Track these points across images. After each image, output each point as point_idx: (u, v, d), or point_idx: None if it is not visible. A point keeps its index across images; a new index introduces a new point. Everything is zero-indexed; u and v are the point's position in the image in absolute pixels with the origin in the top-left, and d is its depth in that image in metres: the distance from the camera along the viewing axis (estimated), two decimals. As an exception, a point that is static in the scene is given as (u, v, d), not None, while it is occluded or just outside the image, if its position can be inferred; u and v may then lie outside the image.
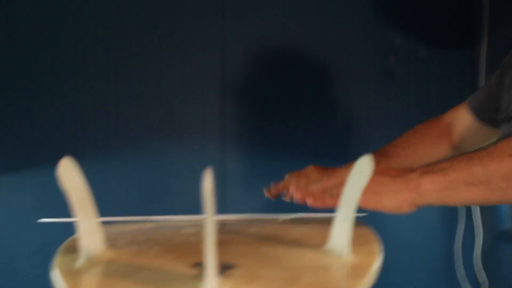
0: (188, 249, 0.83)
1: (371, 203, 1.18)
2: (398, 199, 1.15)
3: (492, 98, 1.63)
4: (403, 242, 3.29)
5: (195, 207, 3.12)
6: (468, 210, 3.25)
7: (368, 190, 1.11)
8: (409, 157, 1.69)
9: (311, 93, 3.26)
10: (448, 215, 3.33)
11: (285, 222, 1.13)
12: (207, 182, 0.80)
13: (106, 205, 3.14)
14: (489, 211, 3.17)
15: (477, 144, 1.78)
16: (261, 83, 3.24)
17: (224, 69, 3.21)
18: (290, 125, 3.25)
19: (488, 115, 1.65)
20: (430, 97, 3.32)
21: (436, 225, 3.33)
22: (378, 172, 1.17)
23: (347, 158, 3.21)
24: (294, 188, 1.32)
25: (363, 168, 0.78)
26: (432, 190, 1.09)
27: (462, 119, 1.72)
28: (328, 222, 0.75)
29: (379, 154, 1.69)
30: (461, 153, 1.11)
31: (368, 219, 3.22)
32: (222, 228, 0.94)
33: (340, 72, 3.29)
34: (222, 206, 3.07)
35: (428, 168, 1.12)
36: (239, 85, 3.23)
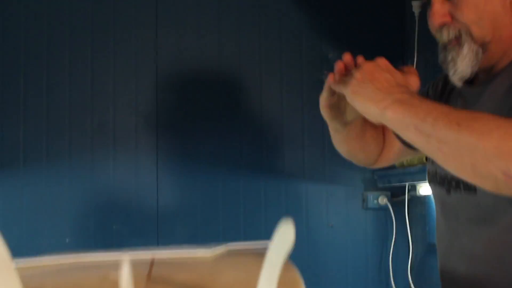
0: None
1: (349, 97, 1.28)
2: (366, 108, 1.22)
3: None
4: (338, 257, 3.31)
5: (127, 217, 3.08)
6: (401, 224, 3.29)
7: (353, 84, 1.27)
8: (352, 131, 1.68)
9: (246, 106, 3.26)
10: (382, 230, 3.38)
11: (218, 258, 1.09)
12: (125, 272, 0.75)
13: (38, 215, 3.09)
14: (420, 225, 3.22)
15: (401, 159, 1.87)
16: (194, 95, 3.22)
17: (157, 81, 3.18)
18: (224, 137, 3.23)
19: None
20: (363, 112, 3.35)
21: (370, 238, 3.36)
22: (372, 70, 1.28)
23: (283, 170, 3.24)
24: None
25: (284, 235, 0.76)
26: (390, 119, 1.14)
27: (390, 136, 1.75)
28: (263, 255, 0.73)
29: None
30: (442, 104, 1.17)
31: (303, 232, 3.24)
32: (150, 271, 0.89)
33: (275, 85, 3.29)
34: (155, 216, 3.05)
35: (406, 97, 1.16)
36: (172, 98, 3.20)
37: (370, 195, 3.32)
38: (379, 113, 1.18)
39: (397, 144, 1.71)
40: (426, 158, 1.73)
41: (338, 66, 1.37)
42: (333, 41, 3.35)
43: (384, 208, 3.33)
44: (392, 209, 3.31)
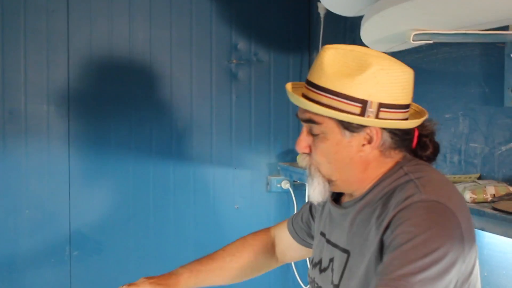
0: None
1: None
2: None
3: (305, 225, 1.84)
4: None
5: (40, 202, 3.14)
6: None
7: None
8: (234, 262, 1.85)
9: (155, 94, 3.35)
10: (284, 212, 3.55)
11: None
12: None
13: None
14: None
15: (297, 259, 2.01)
16: (106, 84, 3.29)
17: (69, 69, 3.22)
18: (135, 124, 3.32)
19: (303, 240, 1.84)
20: (270, 98, 3.51)
21: (273, 219, 3.53)
22: None
23: (191, 155, 3.36)
24: None
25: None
26: None
27: (283, 236, 1.91)
28: None
29: (207, 257, 1.84)
30: None
31: (210, 214, 3.37)
32: None
33: (184, 73, 3.39)
34: (66, 204, 3.12)
35: None
36: (83, 86, 3.25)
37: (274, 180, 3.51)
38: None
39: (296, 250, 1.89)
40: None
41: None
42: (243, 30, 3.48)
43: (286, 192, 3.53)
44: (294, 192, 3.51)
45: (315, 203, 1.56)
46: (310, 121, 1.46)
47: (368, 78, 1.39)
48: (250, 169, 3.52)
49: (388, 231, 1.36)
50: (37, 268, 3.22)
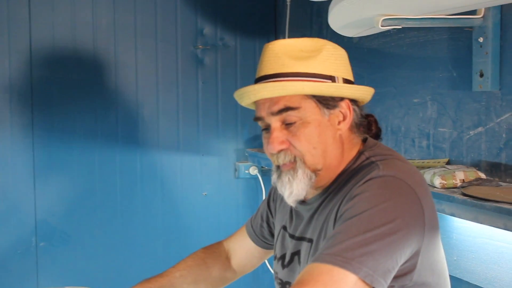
0: None
1: None
2: None
3: (266, 223, 1.80)
4: (211, 224, 3.47)
5: (4, 193, 3.09)
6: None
7: None
8: (184, 277, 1.78)
9: (121, 82, 3.30)
10: (252, 198, 3.55)
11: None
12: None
13: None
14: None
15: (258, 265, 1.93)
16: (69, 72, 3.23)
17: (32, 57, 3.16)
18: (100, 112, 3.27)
19: (264, 241, 1.80)
20: (237, 84, 3.48)
21: (241, 205, 3.53)
22: None
23: (158, 143, 3.33)
24: None
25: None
26: None
27: (241, 245, 1.86)
28: None
29: (157, 276, 1.79)
30: None
31: (178, 201, 3.35)
32: None
33: (150, 59, 3.35)
34: (32, 194, 3.07)
35: None
36: (47, 74, 3.19)
37: (242, 166, 3.49)
38: None
39: (257, 256, 1.86)
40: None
41: None
42: (208, 15, 3.44)
43: (255, 178, 3.52)
44: (262, 178, 3.50)
45: (294, 204, 1.49)
46: (286, 109, 1.41)
47: (327, 56, 1.44)
48: (217, 156, 3.49)
49: (342, 206, 1.36)
50: (3, 260, 3.17)
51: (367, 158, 1.44)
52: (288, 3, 3.26)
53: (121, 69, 3.31)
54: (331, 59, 1.44)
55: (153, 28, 3.36)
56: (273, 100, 1.43)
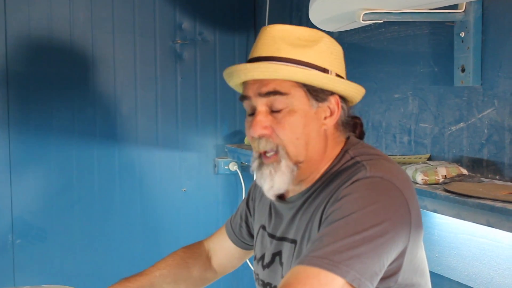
0: None
1: None
2: None
3: (245, 223, 1.77)
4: (190, 220, 3.44)
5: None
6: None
7: None
8: (164, 276, 1.74)
9: (98, 76, 3.26)
10: (232, 193, 3.53)
11: None
12: None
13: None
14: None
15: (239, 265, 1.88)
16: (46, 66, 3.18)
17: (7, 52, 3.11)
18: (77, 107, 3.23)
19: (243, 241, 1.78)
20: (216, 79, 3.45)
21: (221, 201, 3.51)
22: None
23: (136, 139, 3.29)
24: None
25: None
26: None
27: (221, 244, 1.83)
28: None
29: (137, 274, 1.76)
30: None
31: (157, 197, 3.32)
32: None
33: (128, 54, 3.31)
34: (8, 191, 3.02)
35: None
36: (23, 68, 3.15)
37: (221, 162, 3.47)
38: None
39: (237, 257, 1.83)
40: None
41: None
42: (187, 9, 3.41)
43: (234, 174, 3.49)
44: (242, 174, 3.48)
45: (274, 198, 1.46)
46: (274, 92, 1.37)
47: (324, 48, 1.41)
48: (197, 152, 3.46)
49: (328, 208, 1.33)
50: (-22, 258, 3.13)
51: (352, 158, 1.41)
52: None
53: (99, 64, 3.27)
54: (327, 52, 1.41)
55: (131, 22, 3.32)
56: (263, 82, 1.39)
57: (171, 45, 3.40)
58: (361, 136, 1.54)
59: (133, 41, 3.32)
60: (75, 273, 3.22)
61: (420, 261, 1.40)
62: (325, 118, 1.42)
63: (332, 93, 1.42)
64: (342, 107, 1.44)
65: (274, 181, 1.40)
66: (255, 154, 1.45)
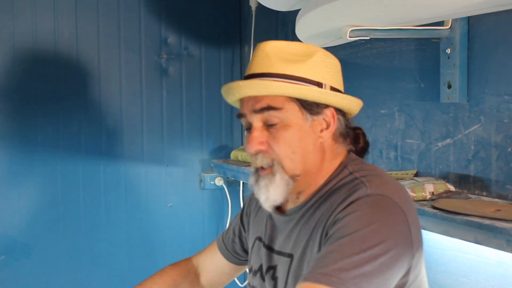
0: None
1: None
2: None
3: (238, 238, 1.77)
4: (176, 235, 3.42)
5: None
6: (236, 202, 3.47)
7: None
8: None
9: (83, 91, 3.24)
10: (218, 208, 3.52)
11: None
12: None
13: None
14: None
15: (228, 282, 1.87)
16: (30, 81, 3.16)
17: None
18: (62, 122, 3.20)
19: (235, 256, 1.78)
20: (202, 94, 3.45)
21: (207, 216, 3.49)
22: None
23: (122, 154, 3.27)
24: None
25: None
26: None
27: (212, 261, 1.82)
28: None
29: None
30: None
31: (143, 213, 3.30)
32: None
33: (112, 70, 3.29)
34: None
35: None
36: (7, 83, 3.12)
37: (207, 177, 3.45)
38: None
39: (228, 273, 1.82)
40: None
41: None
42: (172, 24, 3.40)
43: (220, 189, 3.48)
44: (228, 189, 3.46)
45: (270, 208, 1.47)
46: (268, 108, 1.40)
47: (317, 62, 1.43)
48: (182, 167, 3.45)
49: (330, 226, 1.34)
50: (-39, 275, 3.09)
51: (351, 173, 1.42)
52: (253, 12, 3.24)
53: (84, 79, 3.25)
54: (321, 66, 1.43)
55: (116, 37, 3.30)
56: (256, 99, 1.41)
57: (157, 59, 3.40)
58: (365, 146, 1.56)
59: (119, 56, 3.31)
60: (60, 289, 3.19)
61: (423, 279, 1.41)
62: (321, 130, 1.44)
63: (327, 105, 1.43)
64: (339, 119, 1.45)
65: (269, 193, 1.42)
66: (252, 170, 1.47)
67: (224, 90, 1.49)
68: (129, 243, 3.33)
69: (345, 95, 1.46)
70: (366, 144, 1.57)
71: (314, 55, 1.43)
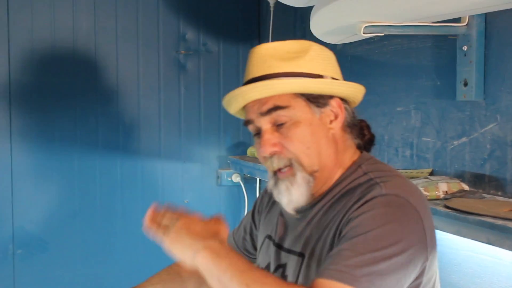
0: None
1: (167, 246, 1.33)
2: (182, 254, 1.31)
3: (249, 236, 1.76)
4: None
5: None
6: (253, 199, 3.45)
7: (171, 235, 1.33)
8: None
9: (101, 87, 3.25)
10: (235, 205, 3.51)
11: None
12: None
13: None
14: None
15: None
16: (49, 76, 3.17)
17: (10, 60, 3.10)
18: (80, 117, 3.21)
19: (245, 253, 1.75)
20: (220, 90, 3.44)
21: (224, 213, 3.47)
22: (187, 222, 1.33)
23: (139, 149, 3.28)
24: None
25: None
26: (201, 263, 1.27)
27: None
28: None
29: None
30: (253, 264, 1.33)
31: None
32: None
33: (130, 66, 3.30)
34: (9, 201, 3.01)
35: (215, 246, 1.26)
36: (26, 77, 3.13)
37: (224, 173, 3.44)
38: (192, 256, 1.30)
39: None
40: None
41: (149, 215, 1.41)
42: (191, 20, 3.40)
43: (237, 185, 3.47)
44: (244, 186, 3.45)
45: (294, 211, 1.44)
46: (275, 108, 1.37)
47: (314, 56, 1.41)
48: (199, 163, 3.44)
49: (344, 225, 1.32)
50: (-21, 268, 3.11)
51: (365, 173, 1.40)
52: (272, 8, 3.22)
53: (102, 74, 3.26)
54: (318, 59, 1.41)
55: (134, 32, 3.31)
56: (262, 101, 1.39)
57: (175, 55, 3.39)
58: (371, 138, 1.53)
59: (137, 51, 3.31)
60: (76, 284, 3.20)
61: (437, 281, 1.39)
62: (331, 122, 1.42)
63: (331, 96, 1.41)
64: (346, 108, 1.44)
65: (292, 195, 1.40)
66: (270, 173, 1.44)
67: (226, 100, 1.46)
68: (144, 238, 3.27)
69: (349, 83, 1.44)
70: (372, 136, 1.54)
71: (309, 49, 1.41)
